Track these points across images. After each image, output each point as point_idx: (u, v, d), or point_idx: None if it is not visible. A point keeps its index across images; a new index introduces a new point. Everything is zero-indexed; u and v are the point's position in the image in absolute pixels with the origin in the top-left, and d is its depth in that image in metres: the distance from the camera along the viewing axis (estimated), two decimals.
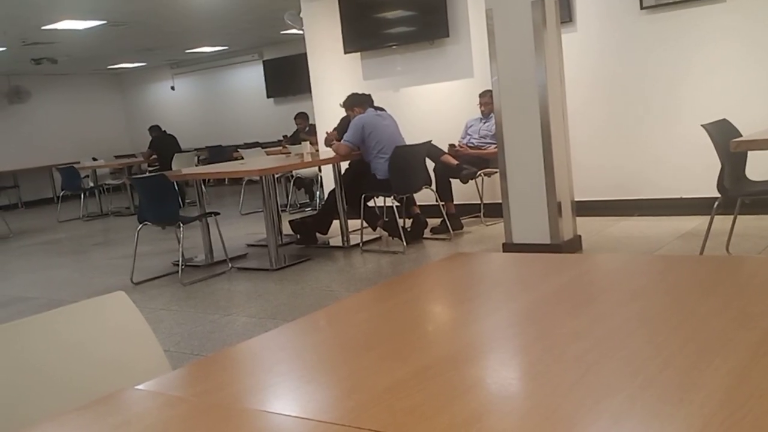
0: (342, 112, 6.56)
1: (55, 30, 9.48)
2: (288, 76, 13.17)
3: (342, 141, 6.07)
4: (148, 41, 11.64)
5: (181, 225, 5.58)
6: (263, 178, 5.76)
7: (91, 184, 11.20)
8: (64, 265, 7.20)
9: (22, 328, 1.31)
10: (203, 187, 6.63)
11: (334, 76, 7.94)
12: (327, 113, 7.83)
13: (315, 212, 7.39)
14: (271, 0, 9.12)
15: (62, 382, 1.30)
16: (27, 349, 1.30)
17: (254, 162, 7.10)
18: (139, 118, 15.71)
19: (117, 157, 14.27)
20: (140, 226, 5.67)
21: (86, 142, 14.57)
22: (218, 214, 6.02)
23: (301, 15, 8.19)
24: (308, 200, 9.75)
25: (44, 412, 1.20)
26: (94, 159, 13.35)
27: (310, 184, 9.61)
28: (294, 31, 11.60)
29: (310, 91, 8.21)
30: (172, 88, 15.21)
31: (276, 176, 7.05)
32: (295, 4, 8.20)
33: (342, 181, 6.42)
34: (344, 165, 6.52)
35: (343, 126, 6.46)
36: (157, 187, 5.48)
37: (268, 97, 13.86)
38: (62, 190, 10.93)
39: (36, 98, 14.04)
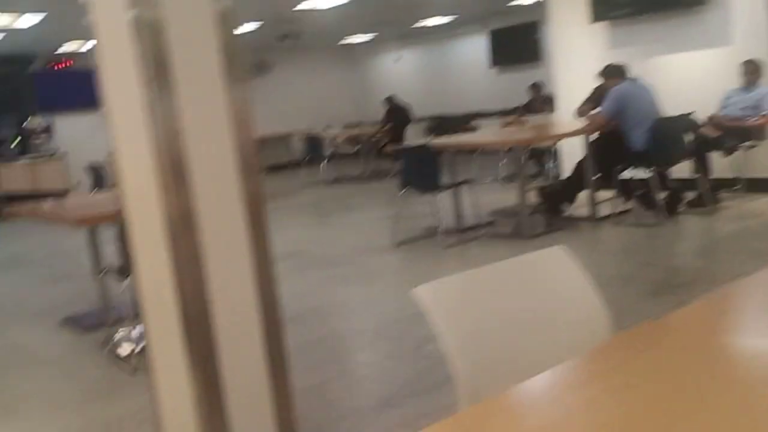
0: (594, 83, 6.54)
1: (304, 10, 10.23)
2: (513, 46, 13.22)
3: (599, 111, 6.08)
4: (382, 15, 12.18)
5: (440, 192, 5.93)
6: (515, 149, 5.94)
7: (329, 152, 12.03)
8: (322, 225, 7.89)
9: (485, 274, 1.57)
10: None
11: (577, 45, 7.90)
12: (568, 83, 7.83)
13: (562, 181, 7.44)
14: None
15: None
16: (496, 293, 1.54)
17: (499, 132, 7.28)
18: (366, 89, 16.55)
19: (346, 126, 15.13)
20: (403, 191, 6.09)
21: (319, 111, 15.59)
22: (472, 181, 6.30)
23: None
24: (538, 171, 9.80)
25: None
26: (327, 127, 14.31)
27: (540, 155, 9.65)
28: (521, 1, 11.64)
29: (536, 61, 8.19)
30: (398, 60, 15.82)
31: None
32: None
33: (592, 151, 6.43)
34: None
35: (595, 96, 6.46)
36: (422, 156, 5.85)
37: (491, 67, 13.99)
38: (306, 156, 11.86)
39: (277, 71, 15.22)
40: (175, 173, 2.07)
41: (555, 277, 1.64)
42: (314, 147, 11.76)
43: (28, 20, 8.83)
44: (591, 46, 7.73)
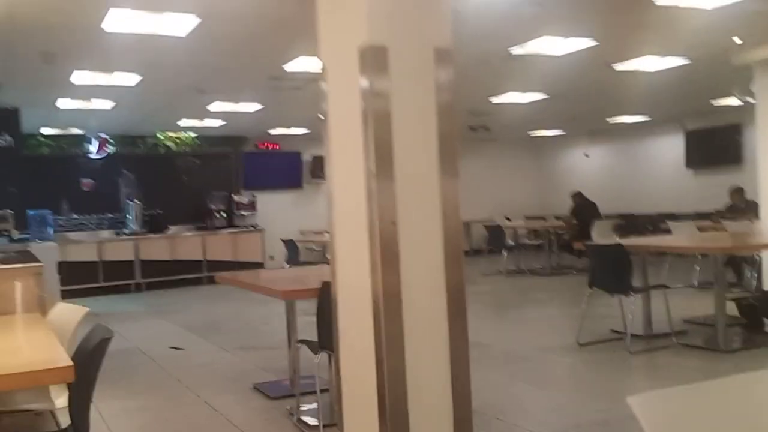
0: None
1: (501, 103, 10.47)
2: (711, 148, 12.71)
3: None
4: (574, 112, 12.18)
5: (632, 294, 5.70)
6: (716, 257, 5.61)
7: (511, 243, 11.99)
8: (501, 318, 7.80)
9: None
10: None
11: None
12: None
13: (765, 293, 6.89)
14: (713, 74, 8.89)
15: None
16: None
17: (695, 237, 6.93)
18: (550, 182, 16.44)
19: (528, 218, 15.03)
20: (590, 291, 5.92)
21: (501, 201, 15.67)
22: (667, 287, 6.00)
23: (752, 88, 7.87)
24: (736, 280, 9.13)
25: None
26: (507, 219, 14.30)
27: (739, 263, 9.01)
28: (726, 102, 11.19)
29: (737, 164, 7.73)
30: (586, 155, 15.63)
31: None
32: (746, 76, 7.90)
33: None
34: None
35: None
36: (613, 256, 5.69)
37: (687, 167, 13.43)
38: (488, 246, 11.90)
39: (463, 159, 15.55)
40: (386, 258, 2.19)
41: None
42: (496, 236, 11.79)
43: (247, 107, 9.81)
44: None
